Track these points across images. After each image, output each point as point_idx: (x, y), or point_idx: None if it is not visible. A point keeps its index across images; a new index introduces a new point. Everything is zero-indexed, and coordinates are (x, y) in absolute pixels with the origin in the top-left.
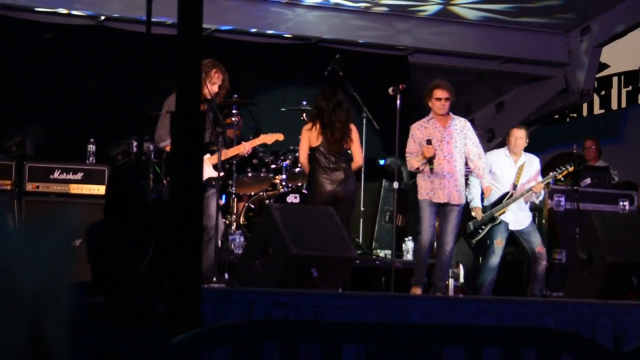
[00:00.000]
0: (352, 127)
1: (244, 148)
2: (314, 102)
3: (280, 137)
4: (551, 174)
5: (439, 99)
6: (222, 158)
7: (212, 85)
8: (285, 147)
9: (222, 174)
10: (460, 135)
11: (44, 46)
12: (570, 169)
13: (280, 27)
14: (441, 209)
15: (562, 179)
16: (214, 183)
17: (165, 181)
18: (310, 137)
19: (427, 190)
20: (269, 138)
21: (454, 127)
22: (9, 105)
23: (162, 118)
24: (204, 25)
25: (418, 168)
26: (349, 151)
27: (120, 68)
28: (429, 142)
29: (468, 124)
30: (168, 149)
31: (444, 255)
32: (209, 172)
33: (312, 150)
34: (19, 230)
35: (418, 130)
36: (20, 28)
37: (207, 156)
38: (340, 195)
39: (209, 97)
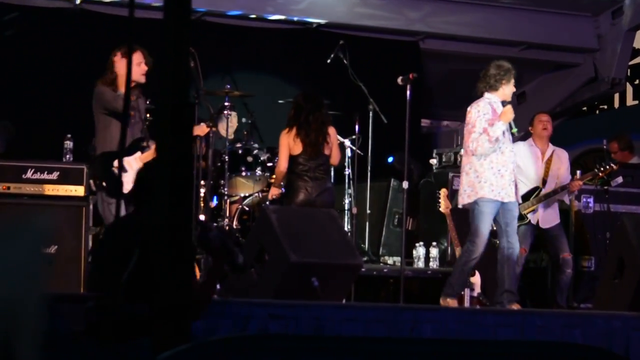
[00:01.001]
0: (331, 129)
1: None
2: (293, 102)
3: (204, 130)
4: (593, 171)
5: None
6: (147, 159)
7: (140, 70)
8: None
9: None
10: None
11: (14, 32)
12: (615, 167)
13: (277, 11)
14: (505, 208)
15: (606, 177)
16: None
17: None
18: (289, 144)
19: (494, 187)
20: (198, 130)
21: None
22: None
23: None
24: (194, 8)
25: (497, 140)
26: (329, 157)
27: (100, 56)
28: (504, 104)
29: None
30: None
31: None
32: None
33: (291, 158)
34: None
35: (484, 108)
36: None
37: (137, 154)
38: (319, 207)
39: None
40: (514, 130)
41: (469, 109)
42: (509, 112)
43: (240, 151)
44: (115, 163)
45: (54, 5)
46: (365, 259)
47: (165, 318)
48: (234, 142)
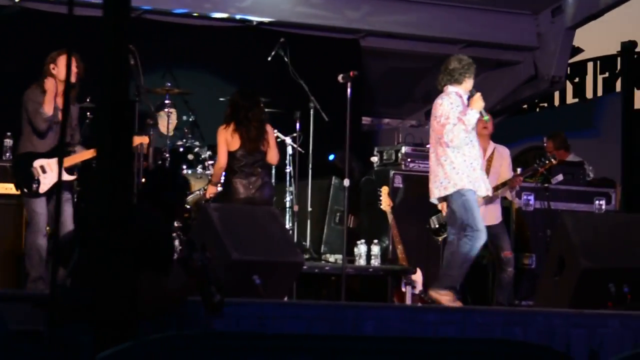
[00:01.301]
0: (269, 127)
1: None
2: (229, 100)
3: (145, 140)
4: (533, 166)
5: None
6: (70, 163)
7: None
8: None
9: (73, 177)
10: None
11: None
12: (555, 161)
13: (218, 9)
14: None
15: (545, 172)
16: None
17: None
18: (227, 139)
19: (470, 178)
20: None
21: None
22: None
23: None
24: (133, 4)
25: (473, 127)
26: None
27: (41, 54)
28: (472, 93)
29: None
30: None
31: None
32: (64, 175)
33: (229, 154)
34: None
35: (456, 100)
36: None
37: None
38: (258, 202)
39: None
40: (486, 117)
41: (438, 101)
42: (480, 100)
43: (181, 149)
44: (35, 163)
45: None
46: (306, 256)
47: (107, 318)
48: (174, 139)
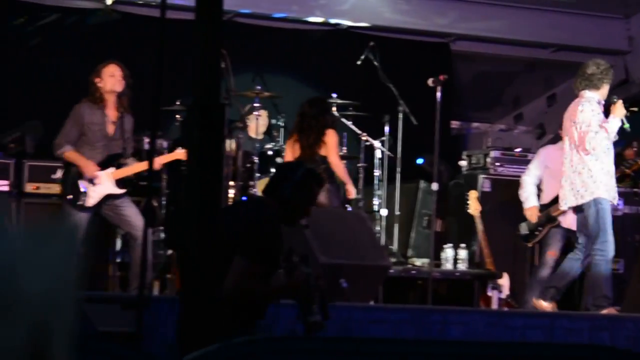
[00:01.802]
0: (330, 132)
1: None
2: (299, 109)
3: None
4: (620, 168)
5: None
6: (120, 175)
7: (114, 80)
8: None
9: (123, 190)
10: None
11: (41, 32)
12: None
13: (307, 13)
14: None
15: (633, 174)
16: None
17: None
18: (292, 149)
19: (607, 187)
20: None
21: None
22: (7, 98)
23: (64, 125)
24: (225, 8)
25: (615, 135)
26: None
27: (132, 56)
28: (613, 101)
29: None
30: (65, 155)
31: None
32: (109, 187)
33: None
34: (21, 233)
35: (597, 108)
36: (18, 10)
37: (109, 170)
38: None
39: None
40: (627, 125)
41: (579, 107)
42: (621, 108)
43: (269, 152)
44: (85, 176)
45: (85, 5)
46: (393, 260)
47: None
48: (264, 143)
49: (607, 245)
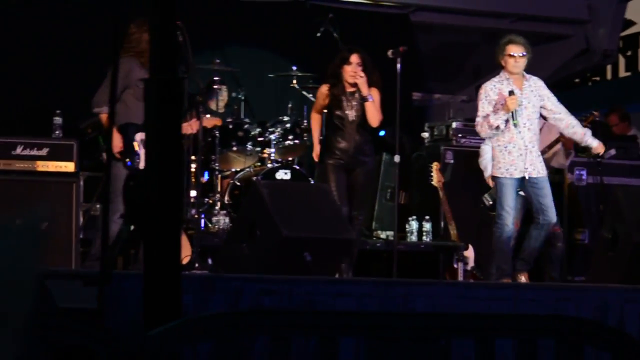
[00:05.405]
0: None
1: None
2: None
3: (218, 122)
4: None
5: (512, 56)
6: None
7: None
8: (274, 118)
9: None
10: (537, 97)
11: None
12: (596, 113)
13: None
14: (527, 184)
15: (589, 126)
16: None
17: (103, 155)
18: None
19: (506, 165)
20: (208, 122)
21: (529, 87)
22: None
23: (105, 82)
24: None
25: (498, 127)
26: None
27: (88, 32)
28: (511, 92)
29: (541, 82)
30: (103, 117)
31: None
32: None
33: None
34: None
35: (491, 91)
36: None
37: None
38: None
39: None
40: (515, 122)
41: (482, 86)
42: (512, 104)
43: (231, 126)
44: (137, 137)
45: None
46: None
47: (155, 294)
48: (224, 116)
49: (502, 221)
